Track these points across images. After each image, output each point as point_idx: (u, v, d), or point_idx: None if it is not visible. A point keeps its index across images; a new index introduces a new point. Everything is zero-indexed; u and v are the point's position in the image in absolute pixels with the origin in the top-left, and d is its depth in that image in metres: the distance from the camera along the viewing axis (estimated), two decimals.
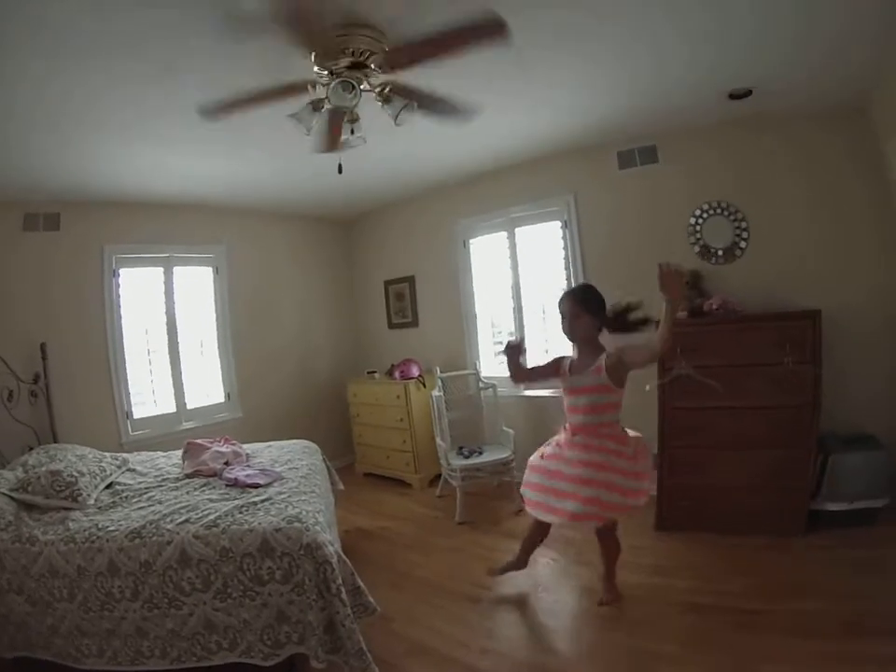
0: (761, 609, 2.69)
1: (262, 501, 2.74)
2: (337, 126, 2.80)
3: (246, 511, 2.61)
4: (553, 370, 2.90)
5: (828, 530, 3.37)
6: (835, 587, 2.80)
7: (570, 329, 2.78)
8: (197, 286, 5.27)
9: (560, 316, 2.82)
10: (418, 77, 2.54)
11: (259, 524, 2.44)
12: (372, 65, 2.40)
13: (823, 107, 3.68)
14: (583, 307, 2.73)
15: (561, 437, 2.84)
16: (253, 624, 2.30)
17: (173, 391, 4.98)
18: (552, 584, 3.29)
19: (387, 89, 2.53)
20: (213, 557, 2.33)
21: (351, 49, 2.32)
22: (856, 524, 3.35)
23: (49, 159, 3.51)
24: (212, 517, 2.54)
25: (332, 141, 3.01)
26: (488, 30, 2.27)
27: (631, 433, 2.78)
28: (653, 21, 2.58)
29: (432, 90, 2.66)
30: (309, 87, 2.49)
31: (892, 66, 3.03)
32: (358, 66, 2.38)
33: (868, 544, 3.18)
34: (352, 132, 2.68)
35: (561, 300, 2.84)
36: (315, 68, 2.41)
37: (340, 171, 2.88)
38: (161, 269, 4.94)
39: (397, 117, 2.57)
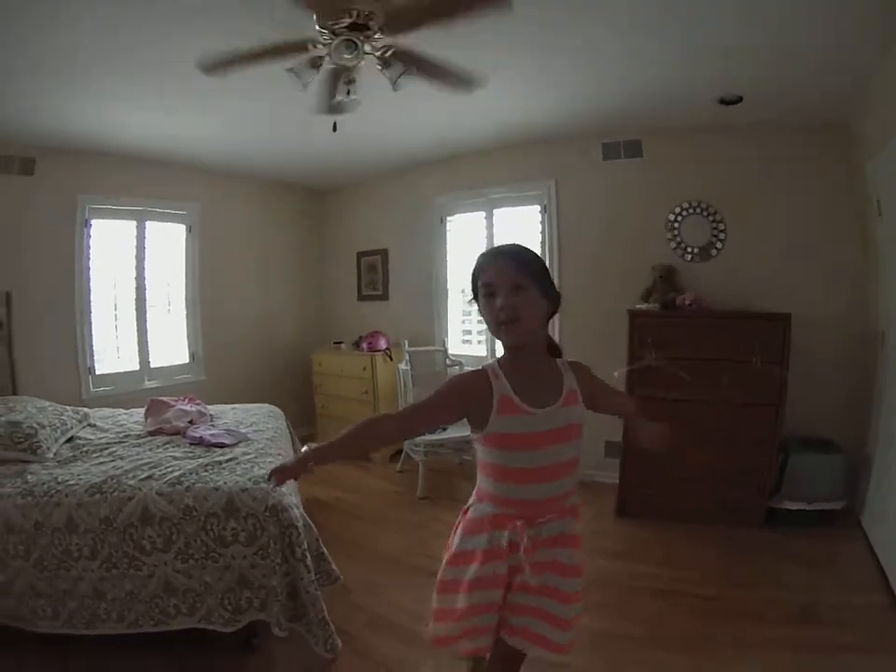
0: (717, 595, 2.78)
1: (227, 461, 2.69)
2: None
3: (211, 469, 2.56)
4: (457, 407, 1.45)
5: (785, 527, 3.46)
6: (789, 579, 2.91)
7: (525, 327, 1.42)
8: (169, 243, 5.13)
9: (487, 294, 1.45)
10: (420, 44, 2.50)
11: (225, 483, 2.39)
12: (373, 26, 2.35)
13: (810, 121, 3.75)
14: (540, 284, 1.43)
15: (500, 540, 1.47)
16: (214, 588, 2.24)
17: (137, 348, 4.87)
18: None
19: (388, 53, 2.48)
20: (176, 516, 2.26)
21: (354, 10, 2.27)
22: (814, 524, 3.44)
23: (27, 104, 3.39)
24: (176, 474, 2.47)
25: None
26: None
27: None
28: (655, 16, 2.58)
29: (433, 57, 2.61)
30: (310, 46, 2.43)
31: (875, 87, 3.09)
32: (359, 27, 2.32)
33: (821, 542, 3.29)
34: (348, 93, 2.63)
35: (499, 261, 1.47)
36: (317, 27, 2.35)
37: (335, 129, 2.87)
38: (134, 222, 4.80)
39: (395, 82, 2.52)
